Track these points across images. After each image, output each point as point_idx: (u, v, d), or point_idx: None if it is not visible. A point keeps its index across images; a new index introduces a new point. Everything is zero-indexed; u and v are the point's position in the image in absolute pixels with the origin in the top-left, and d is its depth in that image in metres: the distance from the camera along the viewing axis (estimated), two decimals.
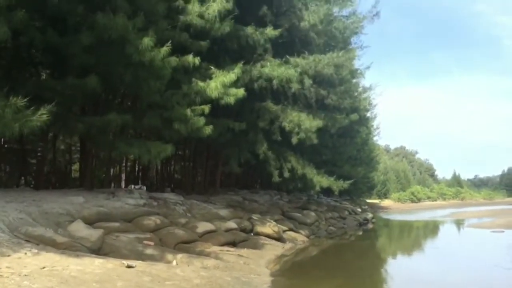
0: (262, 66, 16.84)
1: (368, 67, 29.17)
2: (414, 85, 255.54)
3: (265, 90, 17.55)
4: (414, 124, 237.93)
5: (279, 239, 15.53)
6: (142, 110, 13.95)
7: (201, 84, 13.70)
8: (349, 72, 20.92)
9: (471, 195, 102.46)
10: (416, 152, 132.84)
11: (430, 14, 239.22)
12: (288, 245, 15.54)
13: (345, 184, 19.47)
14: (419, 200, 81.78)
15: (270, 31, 16.40)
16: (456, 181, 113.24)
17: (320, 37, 18.93)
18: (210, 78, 14.20)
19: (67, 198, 11.09)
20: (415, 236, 26.26)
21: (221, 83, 13.83)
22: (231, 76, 14.17)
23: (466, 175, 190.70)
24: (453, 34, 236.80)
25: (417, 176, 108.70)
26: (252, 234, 15.06)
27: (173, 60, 12.10)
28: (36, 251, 6.68)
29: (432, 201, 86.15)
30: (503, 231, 22.16)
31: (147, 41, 10.84)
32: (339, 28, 21.06)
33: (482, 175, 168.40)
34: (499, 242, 18.48)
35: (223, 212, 15.51)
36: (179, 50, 13.03)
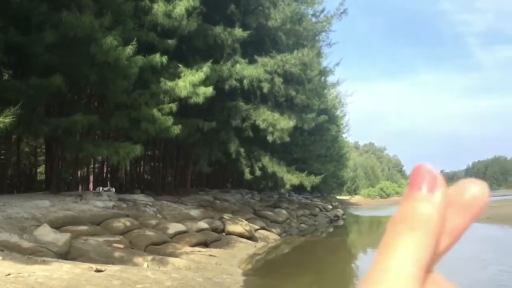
0: (232, 65, 16.77)
1: (337, 64, 29.69)
2: (383, 82, 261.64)
3: (235, 89, 17.52)
4: (382, 121, 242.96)
5: (251, 238, 15.54)
6: (109, 111, 13.73)
7: (169, 83, 13.55)
8: (316, 70, 21.13)
9: None
10: (385, 149, 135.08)
11: (397, 13, 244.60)
12: (260, 243, 15.56)
13: (316, 179, 19.68)
14: (388, 195, 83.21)
15: (238, 32, 16.34)
16: None
17: (289, 37, 18.99)
18: (179, 77, 14.07)
19: (32, 202, 10.79)
20: (383, 231, 26.62)
21: (189, 82, 13.73)
22: (199, 75, 14.07)
23: None
24: (420, 33, 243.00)
25: (385, 172, 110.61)
26: (224, 233, 15.00)
27: (139, 59, 11.97)
28: (0, 257, 6.47)
29: (401, 196, 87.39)
30: None
31: (110, 40, 10.68)
32: (308, 27, 21.21)
33: (448, 169, 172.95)
34: (466, 235, 18.98)
35: (194, 212, 15.41)
36: (147, 49, 12.87)
